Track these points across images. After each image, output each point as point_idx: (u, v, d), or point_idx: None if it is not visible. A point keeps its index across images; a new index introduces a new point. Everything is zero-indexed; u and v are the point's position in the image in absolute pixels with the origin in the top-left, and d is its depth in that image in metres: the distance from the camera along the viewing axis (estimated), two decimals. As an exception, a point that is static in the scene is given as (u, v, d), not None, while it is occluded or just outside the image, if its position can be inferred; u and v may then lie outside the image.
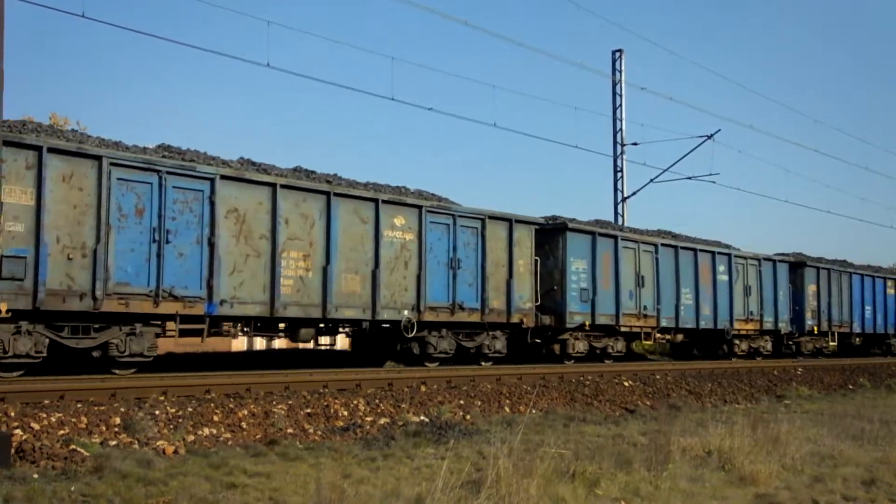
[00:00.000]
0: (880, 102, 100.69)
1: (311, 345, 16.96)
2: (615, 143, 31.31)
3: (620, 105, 31.27)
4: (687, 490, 7.91)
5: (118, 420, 9.36)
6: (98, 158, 12.17)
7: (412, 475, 7.81)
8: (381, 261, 15.60)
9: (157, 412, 9.81)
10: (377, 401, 12.08)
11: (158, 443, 8.90)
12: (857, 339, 31.70)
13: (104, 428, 9.14)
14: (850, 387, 21.67)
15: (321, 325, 15.67)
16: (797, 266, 28.14)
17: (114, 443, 8.77)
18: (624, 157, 31.19)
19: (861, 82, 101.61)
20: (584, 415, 13.18)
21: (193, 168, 13.23)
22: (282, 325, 15.07)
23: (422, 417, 11.62)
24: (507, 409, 13.22)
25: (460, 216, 17.22)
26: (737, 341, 25.11)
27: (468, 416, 12.26)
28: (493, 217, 17.89)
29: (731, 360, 24.26)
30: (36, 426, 8.79)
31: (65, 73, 66.04)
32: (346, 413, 11.33)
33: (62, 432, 8.78)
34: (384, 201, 15.75)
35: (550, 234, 19.49)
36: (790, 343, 28.13)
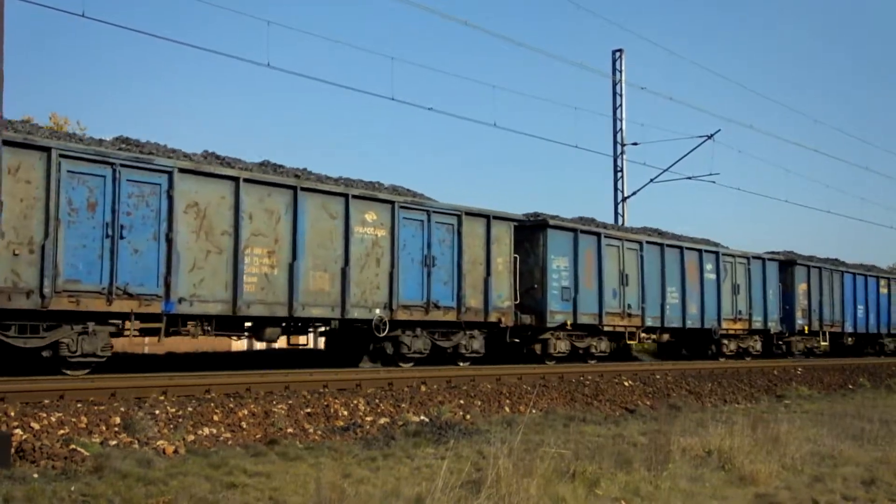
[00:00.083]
0: (880, 102, 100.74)
1: (285, 344, 16.51)
2: (615, 142, 31.34)
3: (620, 105, 31.30)
4: (687, 490, 7.91)
5: (118, 420, 9.36)
6: (47, 150, 11.67)
7: (412, 475, 7.81)
8: (352, 258, 15.15)
9: (157, 412, 9.81)
10: (377, 400, 12.08)
11: (158, 442, 8.90)
12: (850, 339, 31.32)
13: (104, 428, 9.14)
14: (850, 387, 21.68)
15: (289, 324, 15.27)
16: (787, 264, 27.75)
17: (114, 442, 8.77)
18: (624, 156, 31.22)
19: (861, 82, 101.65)
20: (584, 415, 13.18)
21: (150, 161, 12.75)
22: (248, 325, 14.68)
23: (422, 417, 11.62)
24: (507, 409, 13.23)
25: (435, 212, 16.75)
26: (725, 341, 24.75)
27: (468, 416, 12.26)
28: (470, 213, 17.46)
29: (718, 360, 23.93)
30: (36, 426, 8.79)
31: (65, 73, 66.09)
32: (346, 413, 11.33)
33: (62, 432, 8.78)
34: (354, 196, 15.30)
35: (531, 232, 19.08)
36: (780, 343, 27.77)
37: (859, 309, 31.30)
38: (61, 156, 11.89)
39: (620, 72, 31.24)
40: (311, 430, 10.48)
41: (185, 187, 13.08)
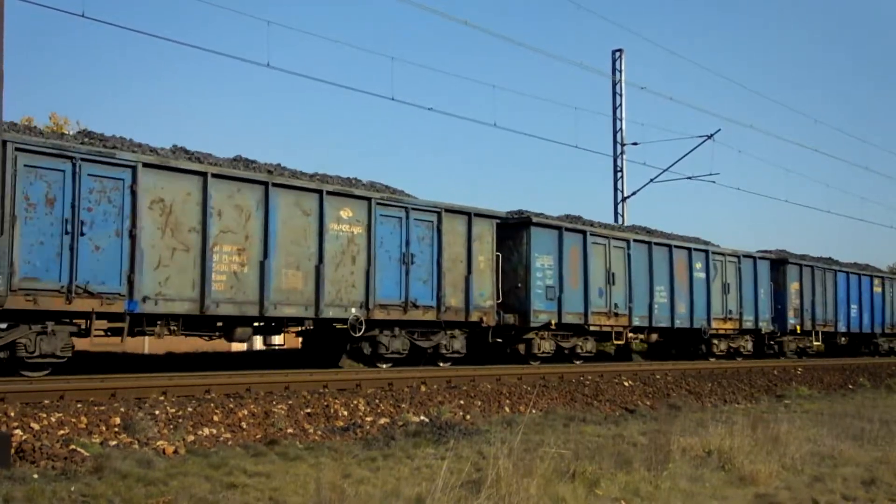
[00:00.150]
0: (880, 102, 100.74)
1: (259, 345, 16.41)
2: (615, 142, 31.34)
3: (620, 105, 31.30)
4: (687, 490, 7.91)
5: (118, 420, 9.36)
6: (2, 143, 11.15)
7: (412, 475, 7.81)
8: (326, 255, 14.79)
9: (157, 412, 9.82)
10: (377, 401, 12.08)
11: (158, 443, 8.90)
12: (843, 339, 30.91)
13: (104, 428, 9.14)
14: (850, 386, 21.68)
15: (261, 324, 14.94)
16: (779, 263, 27.35)
17: (114, 443, 8.77)
18: (624, 156, 31.22)
19: (861, 82, 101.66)
20: (584, 415, 13.18)
21: (112, 155, 12.35)
22: (220, 324, 14.18)
23: (422, 417, 11.62)
24: (507, 409, 13.23)
25: (414, 209, 16.38)
26: (715, 341, 24.37)
27: (468, 416, 12.27)
28: (451, 210, 17.09)
29: (708, 360, 23.63)
30: (36, 426, 8.79)
31: (65, 73, 66.04)
32: (346, 413, 11.34)
33: (62, 432, 8.79)
34: (329, 192, 14.93)
35: (514, 229, 18.71)
36: (772, 343, 27.34)
37: (853, 308, 30.89)
38: (18, 149, 11.48)
39: (620, 72, 31.26)
40: (311, 431, 10.48)
41: (149, 182, 12.71)
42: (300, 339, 17.37)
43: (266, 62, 21.67)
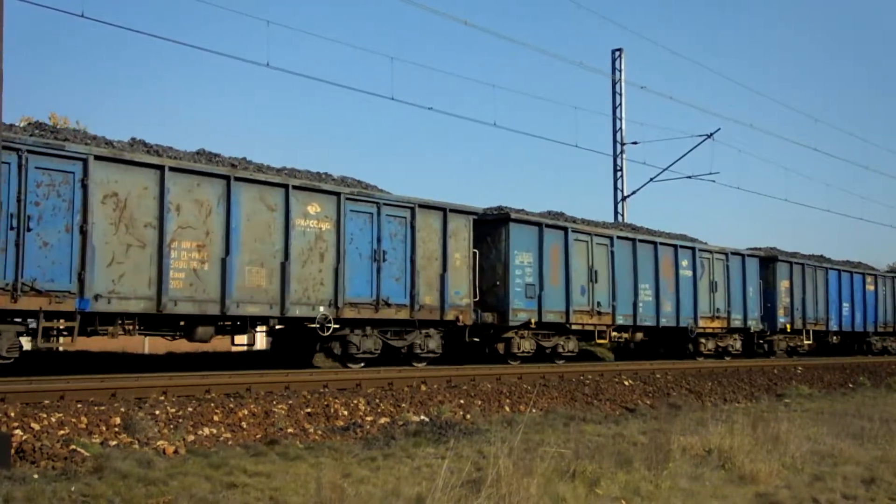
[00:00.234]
0: (880, 102, 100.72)
1: (227, 345, 15.76)
2: (615, 142, 31.37)
3: (620, 104, 31.32)
4: (687, 489, 7.92)
5: (118, 420, 9.36)
6: None
7: (412, 475, 7.81)
8: (292, 252, 14.28)
9: (157, 412, 9.82)
10: (377, 400, 12.08)
11: (158, 443, 8.91)
12: (835, 338, 30.30)
13: (104, 428, 9.14)
14: (850, 385, 21.68)
15: (226, 324, 14.39)
16: (769, 261, 26.80)
17: (114, 443, 8.77)
18: (624, 156, 31.24)
19: (861, 82, 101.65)
20: (585, 414, 13.18)
21: (61, 147, 11.83)
22: (182, 323, 13.69)
23: (422, 417, 11.63)
24: (507, 409, 13.23)
25: (386, 204, 15.88)
26: (703, 340, 23.93)
27: (468, 416, 12.27)
28: (425, 206, 16.57)
29: (696, 359, 23.27)
30: (36, 426, 8.79)
31: (65, 73, 66.05)
32: (346, 413, 11.34)
33: (62, 432, 8.78)
34: (295, 187, 14.41)
35: (493, 226, 18.25)
36: (761, 342, 26.86)
37: (845, 307, 30.36)
38: None
39: (620, 71, 31.27)
40: (312, 430, 10.48)
41: (102, 176, 12.20)
42: (270, 339, 17.00)
43: (266, 62, 21.68)
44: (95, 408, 9.71)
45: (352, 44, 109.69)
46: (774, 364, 23.34)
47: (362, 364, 15.60)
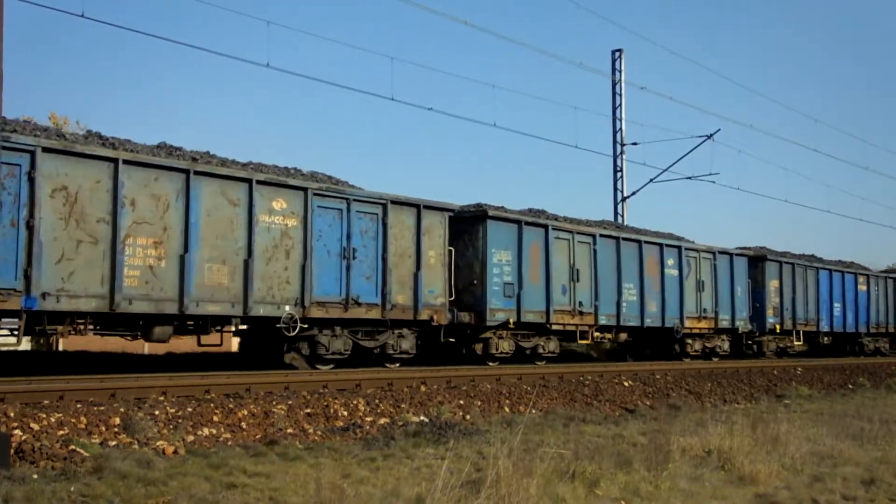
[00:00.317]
0: (880, 102, 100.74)
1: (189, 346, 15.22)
2: (615, 142, 31.38)
3: (620, 105, 31.33)
4: (687, 490, 7.92)
5: (118, 420, 9.36)
6: None
7: (412, 475, 7.81)
8: (256, 249, 13.79)
9: (156, 412, 9.81)
10: (377, 401, 12.08)
11: (158, 443, 8.90)
12: (826, 339, 29.69)
13: (104, 428, 9.14)
14: (850, 386, 21.67)
15: (188, 323, 13.86)
16: (757, 260, 26.24)
17: (113, 443, 8.77)
18: (624, 156, 31.25)
19: (861, 82, 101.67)
20: (584, 415, 13.19)
21: (7, 139, 11.33)
22: (141, 323, 13.21)
23: (421, 417, 11.62)
24: (506, 409, 13.23)
25: (356, 200, 15.36)
26: (689, 340, 23.42)
27: (468, 416, 12.27)
28: (397, 202, 16.06)
29: (682, 360, 22.91)
30: (35, 426, 8.79)
31: (64, 73, 66.07)
32: (345, 413, 11.34)
33: (62, 433, 8.78)
34: (259, 182, 13.93)
35: (470, 223, 17.76)
36: (750, 343, 26.35)
37: (836, 307, 29.78)
38: None
39: (620, 72, 31.28)
40: (311, 431, 10.48)
41: (50, 169, 11.70)
42: (238, 340, 16.32)
43: (266, 62, 21.63)
44: (95, 408, 9.71)
45: (352, 44, 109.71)
46: (774, 365, 23.31)
47: (332, 365, 15.14)
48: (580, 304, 19.76)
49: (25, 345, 22.62)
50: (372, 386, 13.20)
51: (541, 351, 19.21)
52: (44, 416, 9.12)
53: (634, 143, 31.33)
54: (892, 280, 33.97)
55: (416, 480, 7.33)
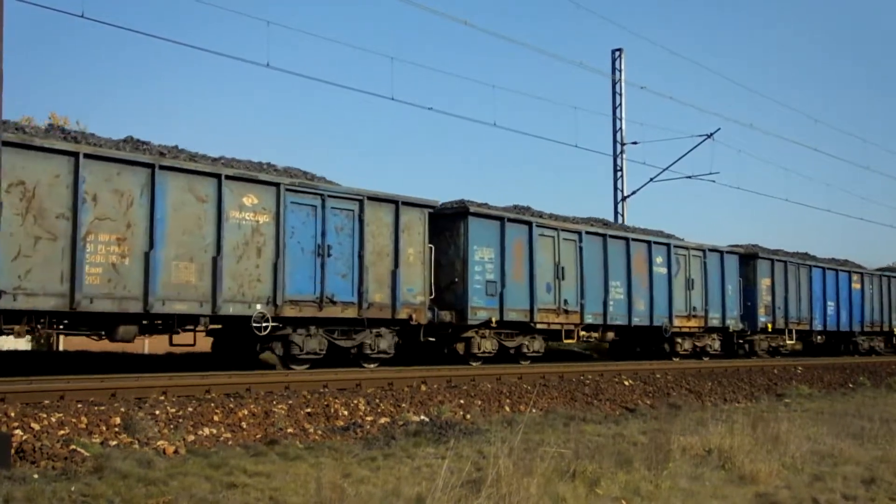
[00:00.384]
0: (880, 102, 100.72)
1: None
2: (615, 142, 31.39)
3: (620, 104, 31.34)
4: (687, 489, 7.92)
5: (118, 420, 9.36)
6: None
7: (412, 474, 7.81)
8: (225, 246, 13.42)
9: (157, 412, 9.82)
10: (377, 400, 12.08)
11: (158, 443, 8.91)
12: (819, 338, 29.32)
13: (104, 428, 9.14)
14: (850, 385, 21.68)
15: (156, 322, 13.44)
16: (749, 258, 25.83)
17: (114, 443, 8.77)
18: (624, 156, 31.26)
19: (861, 82, 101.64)
20: (585, 414, 13.19)
21: None
22: (104, 322, 12.77)
23: (422, 417, 11.63)
24: (507, 409, 13.23)
25: (331, 196, 14.99)
26: (679, 339, 23.05)
27: (468, 416, 12.27)
28: (375, 198, 15.69)
29: (672, 359, 22.56)
30: (36, 426, 8.79)
31: (64, 73, 66.09)
32: (346, 413, 11.34)
33: (62, 432, 8.78)
34: (229, 177, 13.53)
35: (451, 220, 17.39)
36: (742, 342, 25.93)
37: (829, 306, 29.32)
38: None
39: (620, 71, 31.29)
40: (312, 430, 10.48)
41: (7, 163, 11.16)
42: (211, 339, 15.84)
43: (266, 62, 21.62)
44: (95, 408, 9.71)
45: (352, 44, 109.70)
46: (774, 364, 23.30)
47: (307, 365, 14.80)
48: (565, 302, 19.43)
49: (25, 345, 22.65)
50: (372, 385, 13.20)
51: (525, 350, 18.85)
52: (44, 415, 9.12)
53: (634, 143, 31.37)
54: (887, 278, 33.59)
55: (417, 480, 7.33)
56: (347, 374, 13.90)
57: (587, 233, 20.24)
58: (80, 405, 9.81)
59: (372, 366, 15.75)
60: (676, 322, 22.70)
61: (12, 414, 8.99)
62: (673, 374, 18.44)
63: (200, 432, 9.65)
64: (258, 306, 13.85)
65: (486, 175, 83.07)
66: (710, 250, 24.34)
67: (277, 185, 14.24)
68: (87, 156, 12.07)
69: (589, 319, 20.05)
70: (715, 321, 24.16)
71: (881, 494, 8.54)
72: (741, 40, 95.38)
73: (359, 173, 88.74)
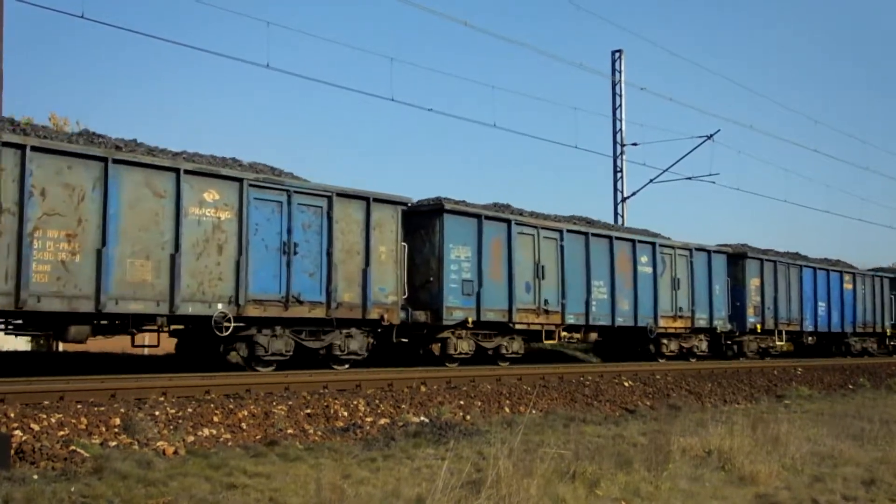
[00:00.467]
0: (880, 103, 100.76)
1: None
2: (615, 143, 31.41)
3: (620, 105, 31.36)
4: (687, 490, 7.92)
5: (118, 421, 9.36)
6: None
7: (412, 475, 7.81)
8: (184, 243, 12.94)
9: (156, 413, 9.81)
10: (377, 401, 12.08)
11: (158, 443, 8.90)
12: (810, 339, 28.76)
13: (104, 429, 9.14)
14: (850, 386, 21.67)
15: (116, 322, 13.02)
16: (737, 258, 25.32)
17: (114, 443, 8.77)
18: (624, 157, 31.28)
19: (861, 83, 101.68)
20: (585, 415, 13.19)
21: None
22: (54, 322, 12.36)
23: (422, 418, 11.62)
24: (507, 410, 13.23)
25: (298, 192, 14.52)
26: (665, 340, 22.51)
27: (468, 417, 12.27)
28: (344, 195, 15.21)
29: (658, 361, 22.08)
30: (36, 427, 8.79)
31: (65, 73, 66.11)
32: (346, 413, 11.33)
33: (62, 433, 8.78)
34: (188, 172, 13.04)
35: (426, 217, 16.98)
36: (730, 343, 25.49)
37: (820, 306, 28.80)
38: None
39: (620, 72, 31.30)
40: (311, 431, 10.48)
41: None
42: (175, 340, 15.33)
43: (265, 63, 21.63)
44: (95, 408, 9.71)
45: (351, 44, 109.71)
46: (774, 365, 23.28)
47: (273, 367, 14.35)
48: (546, 302, 18.91)
49: (25, 345, 22.63)
50: (372, 386, 13.20)
51: (504, 351, 18.40)
52: (44, 416, 9.11)
53: (634, 144, 31.39)
54: (880, 279, 33.14)
55: (417, 481, 7.33)
56: (347, 375, 13.90)
57: (569, 231, 19.83)
58: (79, 406, 9.81)
59: (342, 367, 15.31)
60: (662, 323, 22.23)
61: (12, 414, 8.99)
62: (673, 376, 18.43)
63: (200, 433, 9.65)
64: (219, 306, 13.40)
65: (486, 175, 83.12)
66: (697, 249, 23.86)
67: (240, 180, 13.77)
68: (34, 148, 11.59)
69: (570, 320, 19.58)
70: (702, 322, 23.68)
71: (881, 496, 8.54)
72: (741, 41, 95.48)
73: (359, 173, 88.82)
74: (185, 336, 14.85)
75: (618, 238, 21.23)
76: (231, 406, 10.59)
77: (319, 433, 10.45)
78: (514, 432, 8.78)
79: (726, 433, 9.78)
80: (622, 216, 30.88)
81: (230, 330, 13.44)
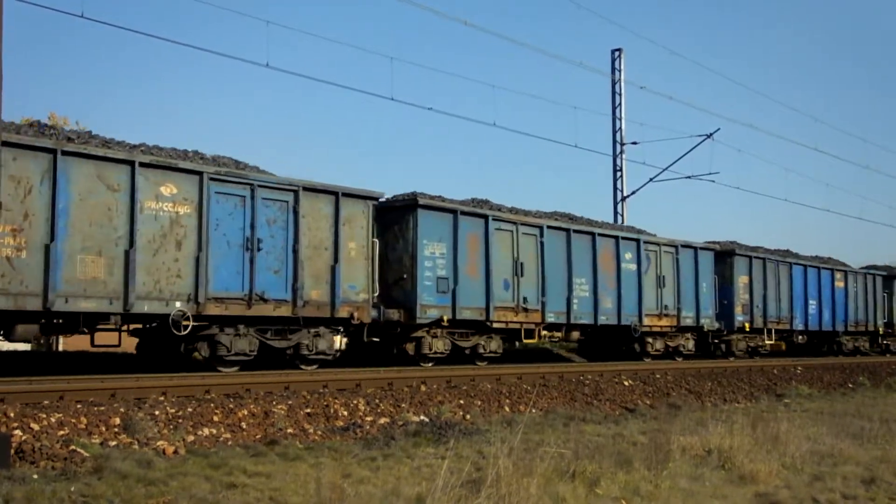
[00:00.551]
0: (880, 102, 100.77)
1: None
2: (615, 142, 31.41)
3: (620, 104, 31.36)
4: (687, 489, 7.92)
5: (118, 420, 9.36)
6: None
7: (412, 475, 7.81)
8: (139, 239, 12.49)
9: (156, 412, 9.82)
10: (377, 400, 12.08)
11: (158, 443, 8.91)
12: (801, 338, 28.29)
13: (104, 428, 9.14)
14: (850, 385, 21.68)
15: (60, 320, 12.55)
16: (725, 255, 24.90)
17: (114, 443, 8.77)
18: (623, 156, 31.28)
19: (861, 82, 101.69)
20: (585, 414, 13.19)
21: None
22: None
23: (422, 417, 11.63)
24: (506, 409, 13.23)
25: (262, 186, 14.05)
26: (650, 339, 22.08)
27: (468, 416, 12.27)
28: (311, 189, 14.77)
29: (643, 360, 21.72)
30: (36, 427, 8.79)
31: (65, 73, 66.11)
32: (346, 413, 11.34)
33: (62, 433, 8.78)
34: (143, 164, 12.58)
35: (400, 213, 16.62)
36: (718, 342, 25.07)
37: (811, 304, 28.35)
38: None
39: (620, 71, 31.30)
40: (311, 431, 10.48)
41: None
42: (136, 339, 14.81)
43: (265, 62, 21.63)
44: (95, 408, 9.71)
45: (351, 44, 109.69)
46: (774, 364, 23.28)
47: (236, 367, 13.90)
48: (525, 300, 18.45)
49: (25, 345, 22.63)
50: (372, 386, 13.20)
51: (481, 351, 17.98)
52: (44, 416, 9.12)
53: (634, 143, 31.39)
54: (872, 277, 32.84)
55: (417, 480, 7.33)
56: (347, 375, 13.90)
57: (549, 227, 19.38)
58: (79, 405, 9.81)
59: (311, 368, 14.82)
60: (647, 321, 21.79)
61: (12, 414, 8.99)
62: (673, 375, 18.44)
63: (200, 432, 9.65)
64: (177, 304, 12.95)
65: (486, 175, 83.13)
66: (683, 246, 23.36)
67: (200, 173, 13.30)
68: None
69: (551, 318, 19.16)
70: (688, 320, 23.18)
71: (881, 494, 8.54)
72: (741, 40, 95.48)
73: (359, 173, 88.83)
74: (145, 335, 14.43)
75: (601, 234, 20.78)
76: (231, 405, 10.60)
77: (319, 432, 10.45)
78: (514, 431, 8.78)
79: (726, 432, 9.78)
80: (622, 215, 30.89)
81: (189, 329, 13.00)
